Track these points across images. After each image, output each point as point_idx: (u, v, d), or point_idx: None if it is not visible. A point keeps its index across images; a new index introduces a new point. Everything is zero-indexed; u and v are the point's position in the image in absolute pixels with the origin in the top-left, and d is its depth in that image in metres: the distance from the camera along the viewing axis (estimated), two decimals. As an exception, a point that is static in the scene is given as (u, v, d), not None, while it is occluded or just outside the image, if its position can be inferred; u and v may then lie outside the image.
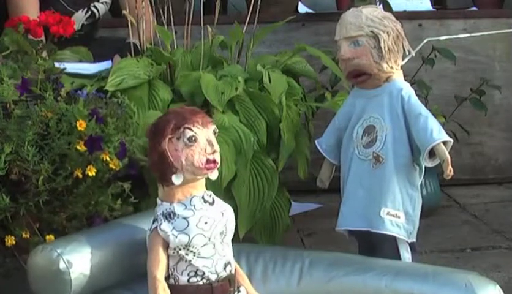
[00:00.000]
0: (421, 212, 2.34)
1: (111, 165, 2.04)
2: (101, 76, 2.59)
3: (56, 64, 2.46)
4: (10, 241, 1.99)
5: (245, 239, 2.46)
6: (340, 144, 2.38)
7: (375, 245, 2.27)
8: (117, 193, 2.12)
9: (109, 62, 2.79)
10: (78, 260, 1.77)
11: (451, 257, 2.89)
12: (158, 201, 1.78)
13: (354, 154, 2.31)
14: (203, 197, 1.77)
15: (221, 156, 2.40)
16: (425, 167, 2.31)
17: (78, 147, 2.00)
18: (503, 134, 3.98)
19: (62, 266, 1.75)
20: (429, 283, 1.84)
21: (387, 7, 3.46)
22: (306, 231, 3.25)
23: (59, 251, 1.76)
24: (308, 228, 3.28)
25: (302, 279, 1.93)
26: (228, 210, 1.81)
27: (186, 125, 1.72)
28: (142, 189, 2.19)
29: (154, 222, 1.76)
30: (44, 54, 2.51)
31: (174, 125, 1.73)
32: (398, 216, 2.25)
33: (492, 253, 2.92)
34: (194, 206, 1.75)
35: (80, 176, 2.02)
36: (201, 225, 1.74)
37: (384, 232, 2.25)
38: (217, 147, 1.75)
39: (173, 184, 1.74)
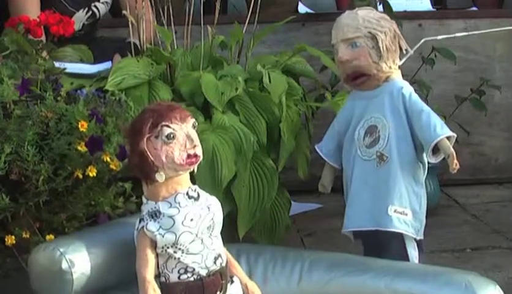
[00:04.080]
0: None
1: (111, 166, 2.04)
2: (101, 77, 2.59)
3: (56, 64, 2.46)
4: (10, 240, 1.99)
5: (245, 239, 2.46)
6: (341, 147, 2.37)
7: (381, 245, 2.26)
8: (119, 192, 2.12)
9: (109, 63, 2.79)
10: (80, 259, 1.76)
11: (451, 257, 2.89)
12: (144, 199, 1.78)
13: (356, 155, 2.30)
14: (187, 193, 1.76)
15: (221, 156, 2.44)
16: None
17: (79, 148, 2.00)
18: (503, 134, 3.98)
19: (64, 265, 1.74)
20: (428, 283, 1.83)
21: (387, 7, 3.47)
22: (306, 231, 3.25)
23: (61, 250, 1.75)
24: (308, 228, 3.28)
25: (302, 280, 1.93)
26: (214, 203, 1.80)
27: (163, 123, 1.70)
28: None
29: (140, 221, 1.75)
30: (44, 54, 2.51)
31: (152, 124, 1.71)
32: (405, 213, 2.25)
33: (492, 253, 2.92)
34: (179, 203, 1.74)
35: (80, 176, 2.02)
36: (187, 223, 1.73)
37: (392, 229, 2.24)
38: (197, 141, 1.73)
39: (156, 181, 1.73)
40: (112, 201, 2.09)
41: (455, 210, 3.53)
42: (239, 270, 1.85)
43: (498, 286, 1.83)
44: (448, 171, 2.18)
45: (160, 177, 1.72)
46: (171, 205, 1.74)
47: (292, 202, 2.73)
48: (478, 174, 3.94)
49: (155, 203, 1.75)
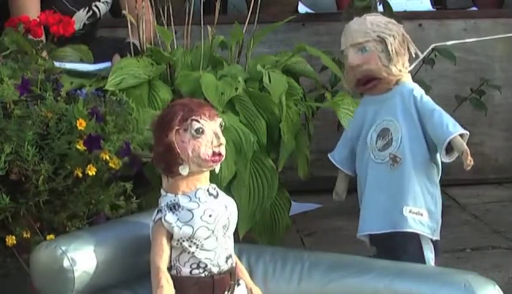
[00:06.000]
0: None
1: (110, 164, 2.04)
2: (101, 76, 2.59)
3: (56, 64, 2.46)
4: (11, 240, 1.99)
5: (245, 239, 2.46)
6: (354, 155, 2.38)
7: (398, 248, 2.25)
8: (119, 192, 2.12)
9: (109, 63, 2.79)
10: (82, 258, 1.77)
11: (451, 257, 2.89)
12: (163, 192, 1.79)
13: (369, 159, 2.31)
14: (207, 190, 1.78)
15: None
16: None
17: (78, 147, 2.00)
18: (503, 134, 3.98)
19: (66, 263, 1.75)
20: (428, 283, 1.83)
21: (387, 7, 3.47)
22: (306, 231, 3.25)
23: (63, 248, 1.76)
24: (308, 228, 3.28)
25: (302, 281, 1.93)
26: (231, 203, 1.82)
27: (194, 117, 1.73)
28: (143, 186, 2.19)
29: (157, 212, 1.76)
30: (44, 54, 2.51)
31: (182, 117, 1.73)
32: (421, 214, 2.26)
33: (492, 253, 2.93)
34: (199, 198, 1.76)
35: (80, 175, 2.02)
36: (206, 218, 1.74)
37: (408, 230, 2.25)
38: (223, 140, 1.76)
39: (179, 175, 1.74)
40: (112, 200, 2.10)
41: (455, 210, 3.53)
42: (245, 273, 1.87)
43: (497, 286, 1.83)
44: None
45: (184, 170, 1.74)
46: (190, 199, 1.76)
47: (292, 202, 2.73)
48: (478, 174, 3.92)
49: (175, 195, 1.76)
